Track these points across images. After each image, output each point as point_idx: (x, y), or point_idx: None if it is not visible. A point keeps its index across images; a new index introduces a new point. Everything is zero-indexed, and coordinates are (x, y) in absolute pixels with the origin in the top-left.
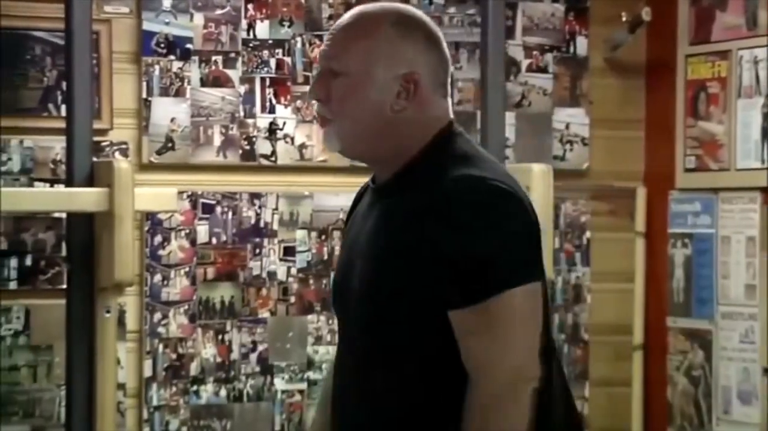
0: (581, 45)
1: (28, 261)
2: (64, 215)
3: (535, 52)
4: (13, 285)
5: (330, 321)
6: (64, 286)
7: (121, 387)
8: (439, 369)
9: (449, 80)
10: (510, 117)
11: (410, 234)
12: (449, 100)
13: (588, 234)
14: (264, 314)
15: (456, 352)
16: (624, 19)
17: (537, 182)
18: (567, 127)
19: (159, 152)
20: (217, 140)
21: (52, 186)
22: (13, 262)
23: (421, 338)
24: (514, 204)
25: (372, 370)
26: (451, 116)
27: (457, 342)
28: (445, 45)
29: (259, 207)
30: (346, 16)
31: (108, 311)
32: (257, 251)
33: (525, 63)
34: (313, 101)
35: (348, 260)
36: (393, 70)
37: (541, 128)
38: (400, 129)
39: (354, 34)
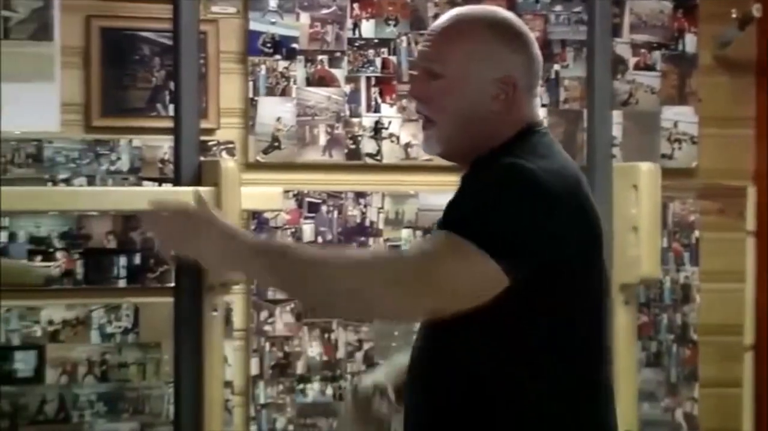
0: (690, 42)
1: (137, 260)
2: None
3: (642, 50)
4: (122, 283)
5: None
6: (172, 284)
7: (228, 384)
8: (493, 342)
9: (539, 82)
10: (617, 116)
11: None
12: (538, 100)
13: (696, 233)
14: None
15: (510, 323)
16: (734, 15)
17: (645, 181)
18: (675, 125)
19: (265, 152)
20: (323, 139)
21: (159, 185)
22: (123, 260)
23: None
24: (535, 193)
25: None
26: (538, 115)
27: (511, 315)
28: (536, 46)
29: (365, 206)
30: (444, 18)
31: (215, 310)
32: None
33: (632, 61)
34: (413, 101)
35: None
36: (491, 73)
37: (649, 126)
38: (492, 129)
39: (452, 36)
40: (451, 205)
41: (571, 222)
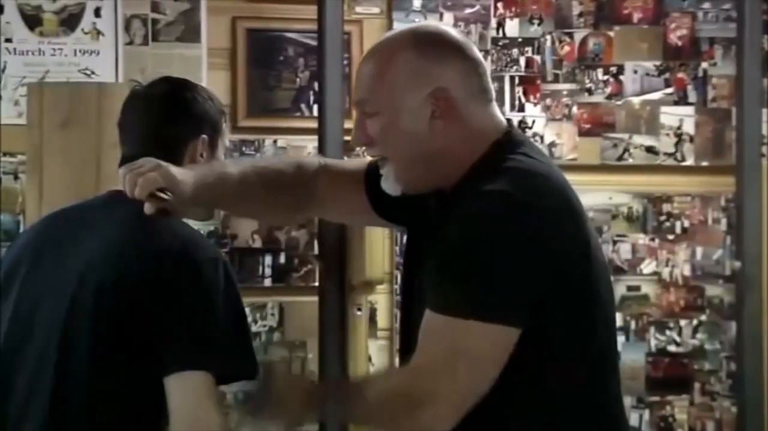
0: None
1: (282, 259)
2: (316, 220)
3: None
4: (267, 282)
5: None
6: (316, 284)
7: None
8: None
9: (489, 85)
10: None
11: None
12: (494, 105)
13: None
14: None
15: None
16: None
17: None
18: None
19: None
20: None
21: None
22: (268, 259)
23: None
24: (519, 230)
25: None
26: (502, 121)
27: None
28: (473, 49)
29: None
30: (368, 52)
31: (359, 309)
32: None
33: None
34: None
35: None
36: (420, 93)
37: None
38: (447, 150)
39: (374, 69)
40: (436, 274)
41: (558, 244)
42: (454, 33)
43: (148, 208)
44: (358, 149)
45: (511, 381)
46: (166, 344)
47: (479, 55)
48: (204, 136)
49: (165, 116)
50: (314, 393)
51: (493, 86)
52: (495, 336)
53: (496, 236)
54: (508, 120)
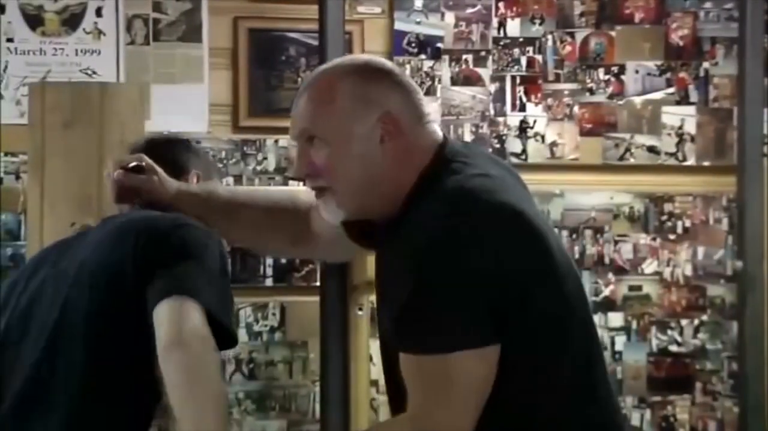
0: None
1: (283, 259)
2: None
3: None
4: (269, 282)
5: None
6: (318, 283)
7: (374, 383)
8: None
9: (425, 108)
10: None
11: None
12: (433, 125)
13: None
14: None
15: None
16: None
17: None
18: None
19: None
20: (468, 137)
21: (304, 185)
22: (269, 259)
23: None
24: (464, 255)
25: None
26: (440, 137)
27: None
28: (405, 75)
29: None
30: (305, 84)
31: (360, 309)
32: None
33: None
34: (300, 180)
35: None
36: (369, 119)
37: None
38: (394, 174)
39: (317, 99)
40: (397, 316)
41: (507, 260)
42: (387, 61)
43: (118, 174)
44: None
45: (495, 399)
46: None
47: (413, 81)
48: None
49: None
50: None
51: (492, 87)
52: (474, 360)
53: (442, 267)
54: (444, 136)
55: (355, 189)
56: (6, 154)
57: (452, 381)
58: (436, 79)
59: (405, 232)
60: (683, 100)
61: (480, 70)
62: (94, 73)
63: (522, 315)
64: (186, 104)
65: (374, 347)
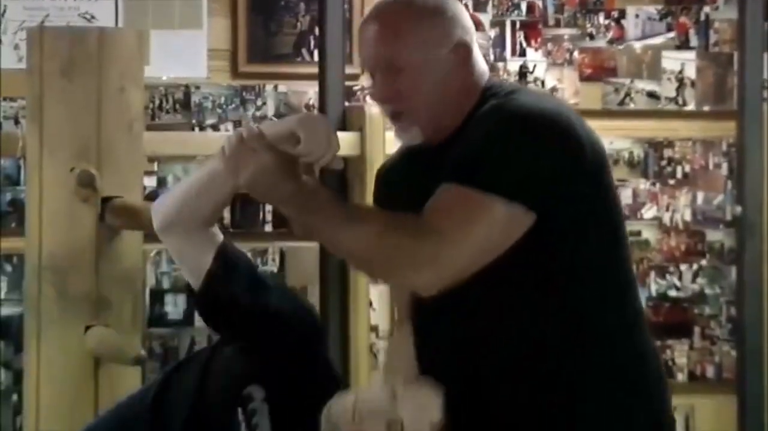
0: None
1: None
2: None
3: None
4: (268, 228)
5: None
6: None
7: (373, 329)
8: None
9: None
10: None
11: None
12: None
13: None
14: None
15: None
16: None
17: None
18: None
19: None
20: None
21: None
22: (268, 206)
23: None
24: (540, 130)
25: None
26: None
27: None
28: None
29: None
30: (377, 13)
31: None
32: None
33: None
34: (379, 104)
35: None
36: (445, 46)
37: None
38: (461, 97)
39: (398, 27)
40: (456, 157)
41: (579, 151)
42: None
43: None
44: (373, 100)
45: (539, 290)
46: None
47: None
48: None
49: None
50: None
51: (492, 32)
52: (510, 215)
53: (524, 129)
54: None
55: (433, 112)
56: (5, 99)
57: (482, 225)
58: None
59: (485, 117)
60: (683, 45)
61: (480, 15)
62: (93, 17)
63: (586, 202)
64: (185, 50)
65: (374, 293)
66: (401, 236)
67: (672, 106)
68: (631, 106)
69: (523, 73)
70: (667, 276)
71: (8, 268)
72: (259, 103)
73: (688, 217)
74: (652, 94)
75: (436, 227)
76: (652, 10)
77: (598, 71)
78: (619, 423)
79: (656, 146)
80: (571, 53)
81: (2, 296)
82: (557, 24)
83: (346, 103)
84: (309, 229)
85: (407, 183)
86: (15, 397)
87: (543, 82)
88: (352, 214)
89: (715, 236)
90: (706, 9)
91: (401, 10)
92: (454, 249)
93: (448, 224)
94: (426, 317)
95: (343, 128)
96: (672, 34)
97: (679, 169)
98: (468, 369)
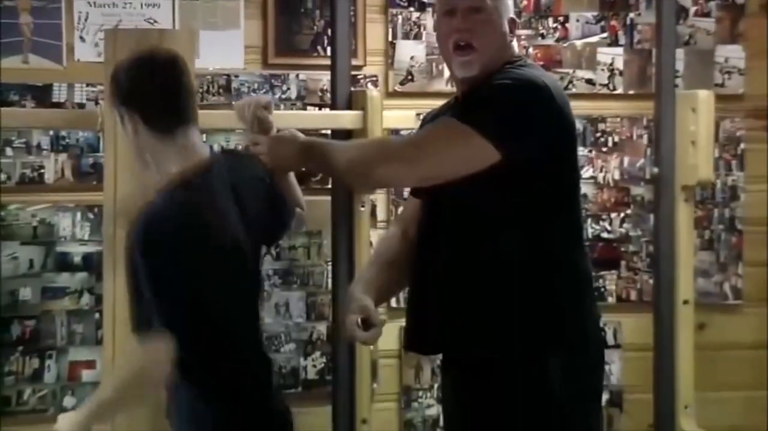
0: None
1: (303, 168)
2: (329, 132)
3: (700, 0)
4: None
5: None
6: (330, 186)
7: None
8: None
9: None
10: (680, 53)
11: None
12: None
13: (743, 146)
14: None
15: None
16: None
17: (702, 105)
18: (726, 60)
19: (401, 83)
20: (446, 73)
21: (320, 110)
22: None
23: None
24: (538, 93)
25: None
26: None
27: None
28: None
29: None
30: None
31: (363, 205)
32: None
33: (692, 9)
34: (456, 34)
35: None
36: (507, 14)
37: (705, 61)
38: (503, 53)
39: None
40: (471, 99)
41: (562, 115)
42: None
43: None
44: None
45: (516, 219)
46: None
47: None
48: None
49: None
50: (305, 147)
51: None
52: (481, 147)
53: (514, 89)
54: None
55: (489, 56)
56: (88, 85)
57: (458, 145)
58: (422, 27)
59: (491, 79)
60: (614, 42)
61: None
62: (155, 21)
63: (556, 152)
64: (226, 46)
65: (374, 235)
66: (393, 143)
67: (605, 91)
68: (573, 90)
69: None
70: (600, 222)
71: (91, 215)
72: (284, 88)
73: (617, 176)
74: (589, 81)
75: (422, 140)
76: (590, 15)
77: (548, 63)
78: (573, 323)
79: (592, 121)
80: (527, 49)
81: (87, 237)
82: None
83: (352, 88)
84: (324, 169)
85: (452, 108)
86: (97, 315)
87: None
88: (346, 145)
89: (637, 190)
90: (632, 14)
91: None
92: (431, 157)
93: (431, 138)
94: (425, 242)
95: (350, 108)
96: (605, 34)
97: (610, 139)
98: (458, 280)
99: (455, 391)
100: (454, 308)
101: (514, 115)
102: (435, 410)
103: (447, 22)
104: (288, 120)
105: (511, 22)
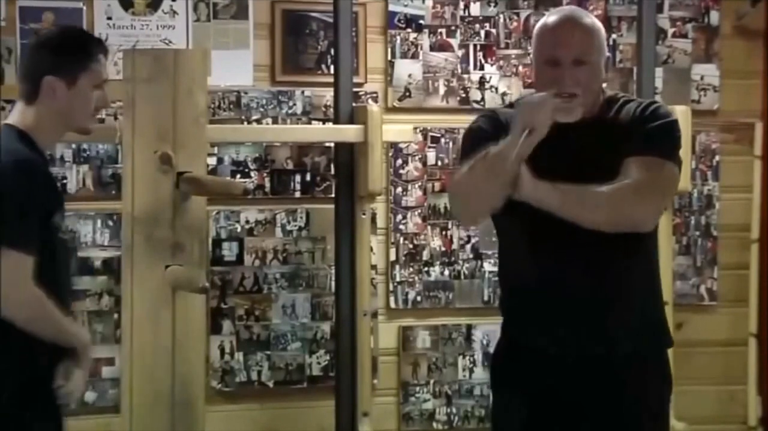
0: (714, 16)
1: (308, 177)
2: (332, 144)
3: (678, 23)
4: (297, 194)
5: None
6: (333, 195)
7: (373, 267)
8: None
9: None
10: (659, 72)
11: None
12: None
13: (717, 158)
14: None
15: None
16: None
17: (679, 120)
18: (702, 78)
19: (400, 99)
20: (442, 90)
21: (324, 124)
22: (298, 177)
23: None
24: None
25: None
26: None
27: None
28: None
29: None
30: (572, 21)
31: (364, 214)
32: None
33: (670, 31)
34: (566, 85)
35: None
36: (605, 55)
37: (682, 79)
38: (601, 91)
39: (588, 33)
40: (646, 136)
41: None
42: None
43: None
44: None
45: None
46: None
47: None
48: (50, 77)
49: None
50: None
51: (459, 52)
52: (677, 174)
53: (674, 120)
54: None
55: (592, 100)
56: None
57: (671, 184)
58: (419, 47)
59: (640, 106)
60: None
61: (451, 40)
62: (170, 42)
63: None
64: (236, 64)
65: (374, 241)
66: (629, 191)
67: None
68: None
69: (482, 82)
70: None
71: (110, 222)
72: (291, 104)
73: None
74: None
75: (650, 182)
76: None
77: None
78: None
79: None
80: (517, 67)
81: (106, 243)
82: (507, 46)
83: (354, 104)
84: (544, 203)
85: (550, 145)
86: (116, 316)
87: (497, 89)
88: (583, 192)
89: None
90: (614, 36)
91: (593, 22)
92: (663, 196)
93: (653, 178)
94: (561, 247)
95: (352, 122)
96: None
97: None
98: (595, 283)
99: (583, 384)
100: (623, 311)
101: (678, 139)
102: (431, 404)
103: (550, 72)
104: (294, 133)
105: (606, 61)
